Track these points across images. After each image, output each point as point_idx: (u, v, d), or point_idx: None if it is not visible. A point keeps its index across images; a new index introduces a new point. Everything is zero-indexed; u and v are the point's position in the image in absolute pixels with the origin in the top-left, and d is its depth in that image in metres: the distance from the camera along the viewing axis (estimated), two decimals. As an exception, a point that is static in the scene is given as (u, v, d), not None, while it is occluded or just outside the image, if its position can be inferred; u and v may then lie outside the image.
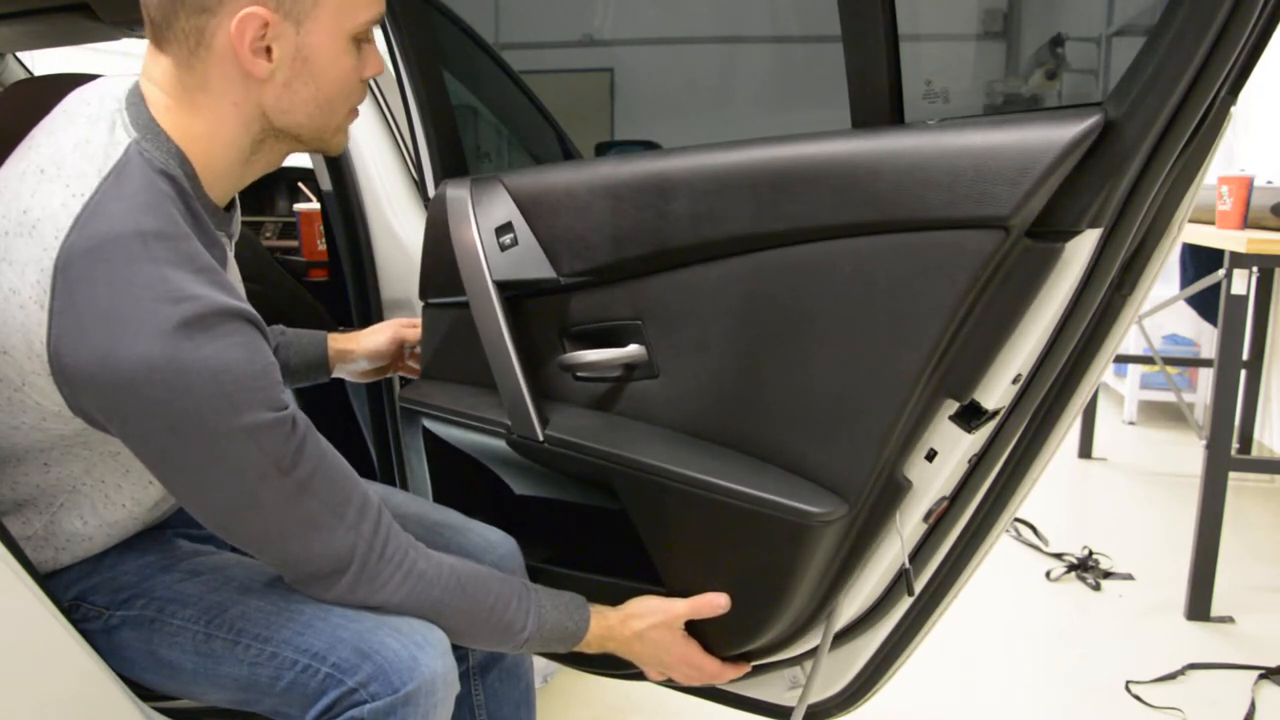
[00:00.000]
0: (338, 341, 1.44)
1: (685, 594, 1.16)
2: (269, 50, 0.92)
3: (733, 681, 1.37)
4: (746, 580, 1.13)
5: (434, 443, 1.39)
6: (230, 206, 1.05)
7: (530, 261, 1.21)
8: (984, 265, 0.92)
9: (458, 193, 1.28)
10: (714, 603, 1.15)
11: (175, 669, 1.03)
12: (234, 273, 1.06)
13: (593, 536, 1.29)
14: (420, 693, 0.95)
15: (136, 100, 0.94)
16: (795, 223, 1.02)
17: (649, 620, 1.15)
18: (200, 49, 0.91)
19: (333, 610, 1.00)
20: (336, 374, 1.46)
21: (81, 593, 1.06)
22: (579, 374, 1.23)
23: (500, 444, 1.27)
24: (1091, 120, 0.87)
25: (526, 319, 1.25)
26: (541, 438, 1.20)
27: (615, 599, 1.18)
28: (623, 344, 1.18)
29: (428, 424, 1.37)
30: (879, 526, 1.09)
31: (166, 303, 0.84)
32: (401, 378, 1.56)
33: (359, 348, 1.45)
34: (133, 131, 0.92)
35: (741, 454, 1.12)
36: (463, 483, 1.40)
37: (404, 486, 1.60)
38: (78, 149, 0.90)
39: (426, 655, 0.97)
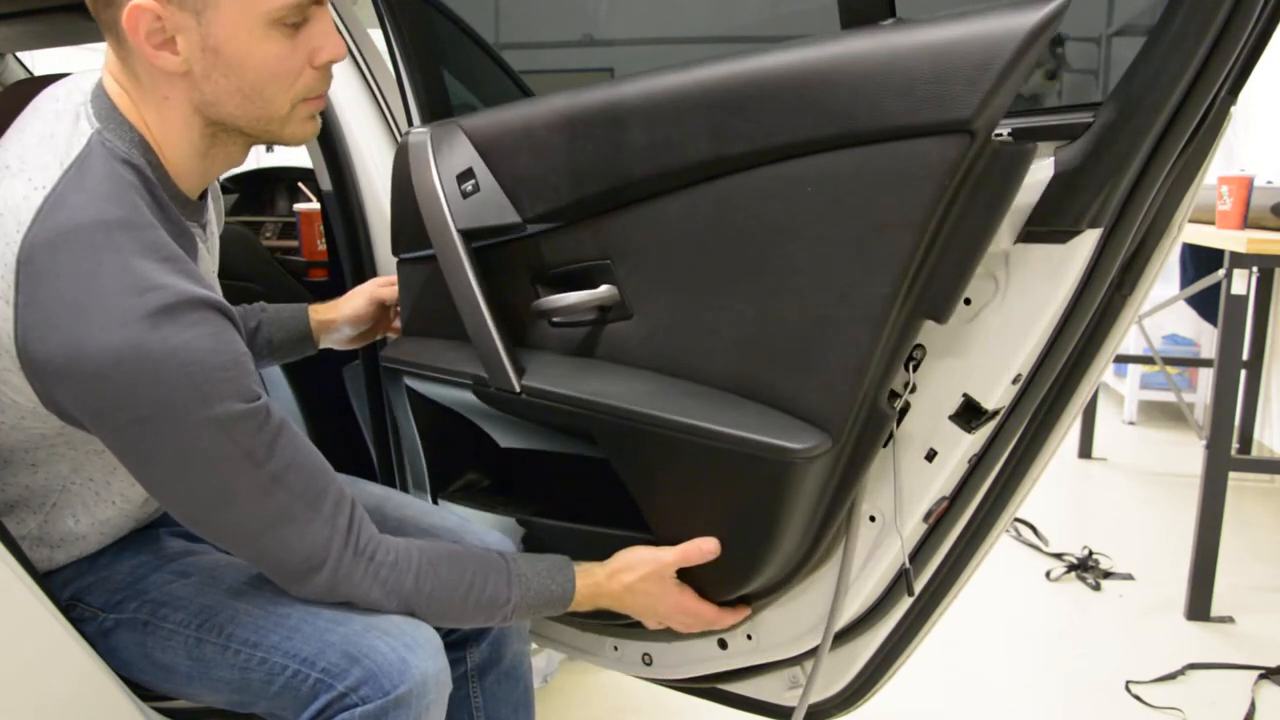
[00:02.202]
0: (319, 312, 1.43)
1: (674, 541, 1.14)
2: (175, 42, 0.88)
3: (733, 681, 1.37)
4: (734, 522, 1.10)
5: (418, 401, 1.36)
6: (203, 197, 1.04)
7: (493, 207, 1.17)
8: (950, 174, 0.87)
9: (418, 140, 1.23)
10: (703, 549, 1.12)
11: (170, 671, 1.03)
12: (206, 263, 1.04)
13: (581, 487, 1.26)
14: (412, 695, 0.95)
15: (100, 92, 0.94)
16: (753, 144, 0.97)
17: (638, 572, 1.12)
18: (121, 43, 0.91)
19: (321, 613, 0.99)
20: (325, 345, 1.45)
21: (76, 593, 1.07)
22: (553, 320, 1.20)
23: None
24: (1053, 6, 0.82)
25: (496, 267, 1.21)
26: (518, 389, 1.17)
27: (607, 550, 1.16)
28: (595, 285, 1.14)
29: (410, 383, 1.35)
30: (865, 459, 1.07)
31: (132, 293, 0.83)
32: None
33: (339, 315, 1.43)
34: (95, 122, 0.91)
35: (722, 391, 1.08)
36: (450, 439, 1.37)
37: (403, 487, 1.60)
38: (42, 143, 0.90)
39: (416, 656, 0.97)
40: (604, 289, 1.13)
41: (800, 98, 0.93)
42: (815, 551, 1.16)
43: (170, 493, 0.92)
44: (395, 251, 1.36)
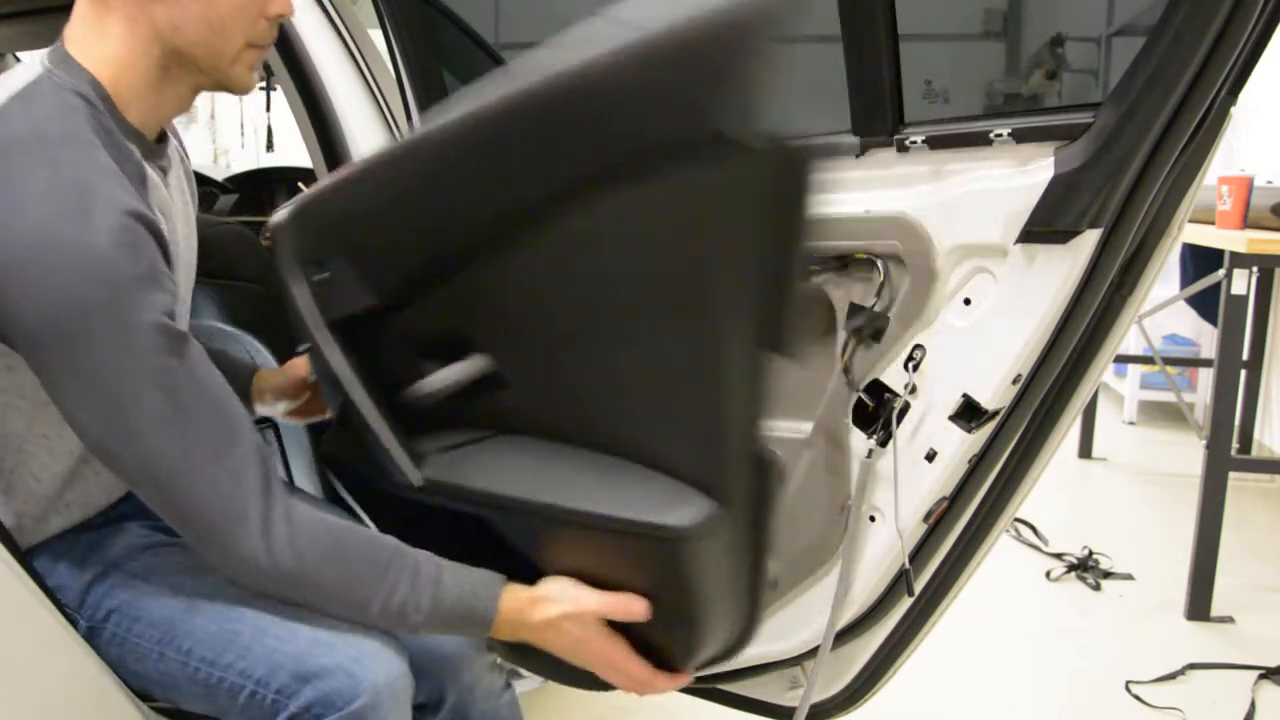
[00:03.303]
0: (259, 378, 1.32)
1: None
2: None
3: (733, 681, 1.37)
4: (653, 600, 0.97)
5: (359, 493, 1.24)
6: (162, 140, 1.05)
7: (349, 290, 1.02)
8: (732, 196, 0.75)
9: (278, 224, 1.07)
10: (630, 607, 0.97)
11: (146, 680, 1.04)
12: (160, 197, 1.01)
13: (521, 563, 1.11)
14: (367, 708, 0.95)
15: (58, 45, 0.97)
16: (525, 190, 0.85)
17: (560, 607, 0.99)
18: None
19: (268, 630, 0.98)
20: (261, 413, 1.33)
21: (54, 590, 1.06)
22: (435, 403, 1.04)
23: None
24: None
25: (377, 350, 1.06)
26: (418, 483, 1.05)
27: None
28: (465, 357, 1.01)
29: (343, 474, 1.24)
30: (769, 512, 0.97)
31: (59, 194, 0.84)
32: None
33: (266, 386, 1.31)
34: (47, 64, 0.94)
35: (618, 459, 0.96)
36: (400, 518, 1.19)
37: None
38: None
39: (365, 669, 0.95)
40: (470, 362, 0.99)
41: (542, 131, 0.80)
42: (756, 617, 1.07)
43: (79, 413, 0.89)
44: (293, 343, 1.20)
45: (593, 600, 0.99)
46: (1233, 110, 0.96)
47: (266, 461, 0.95)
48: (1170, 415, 4.41)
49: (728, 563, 0.96)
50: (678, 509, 0.88)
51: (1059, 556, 2.83)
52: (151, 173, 0.99)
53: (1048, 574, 2.74)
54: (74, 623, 1.04)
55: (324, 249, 1.03)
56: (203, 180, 3.35)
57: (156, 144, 1.03)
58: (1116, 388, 4.56)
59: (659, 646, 1.01)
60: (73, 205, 0.84)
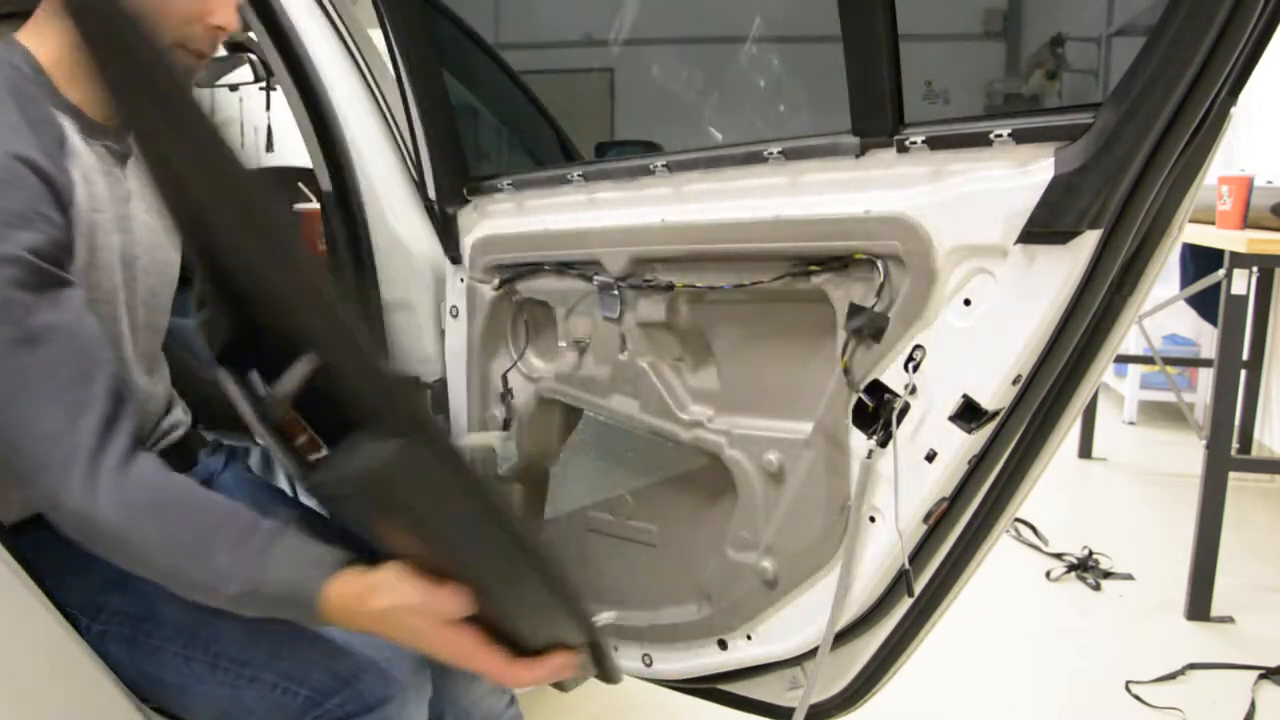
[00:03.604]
0: None
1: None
2: None
3: (733, 682, 1.37)
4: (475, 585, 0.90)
5: None
6: (120, 129, 1.07)
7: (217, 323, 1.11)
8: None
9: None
10: (445, 603, 0.87)
11: (162, 684, 1.04)
12: (84, 165, 1.01)
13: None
14: (393, 705, 0.98)
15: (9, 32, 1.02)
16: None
17: (390, 599, 0.89)
18: None
19: (303, 631, 0.99)
20: None
21: (55, 593, 1.06)
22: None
23: None
24: None
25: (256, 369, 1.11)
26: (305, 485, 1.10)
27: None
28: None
29: None
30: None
31: None
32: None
33: None
34: None
35: None
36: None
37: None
38: None
39: (395, 667, 0.99)
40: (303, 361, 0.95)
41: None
42: (572, 596, 0.95)
43: None
44: None
45: (414, 594, 0.88)
46: (1233, 111, 0.96)
47: (118, 410, 0.91)
48: (1170, 415, 4.41)
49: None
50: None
51: (1059, 556, 2.83)
52: (78, 142, 1.00)
53: (1048, 574, 2.74)
54: (76, 623, 1.04)
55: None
56: (203, 180, 3.34)
57: (108, 127, 1.05)
58: (1116, 388, 4.56)
59: (508, 634, 0.92)
60: None
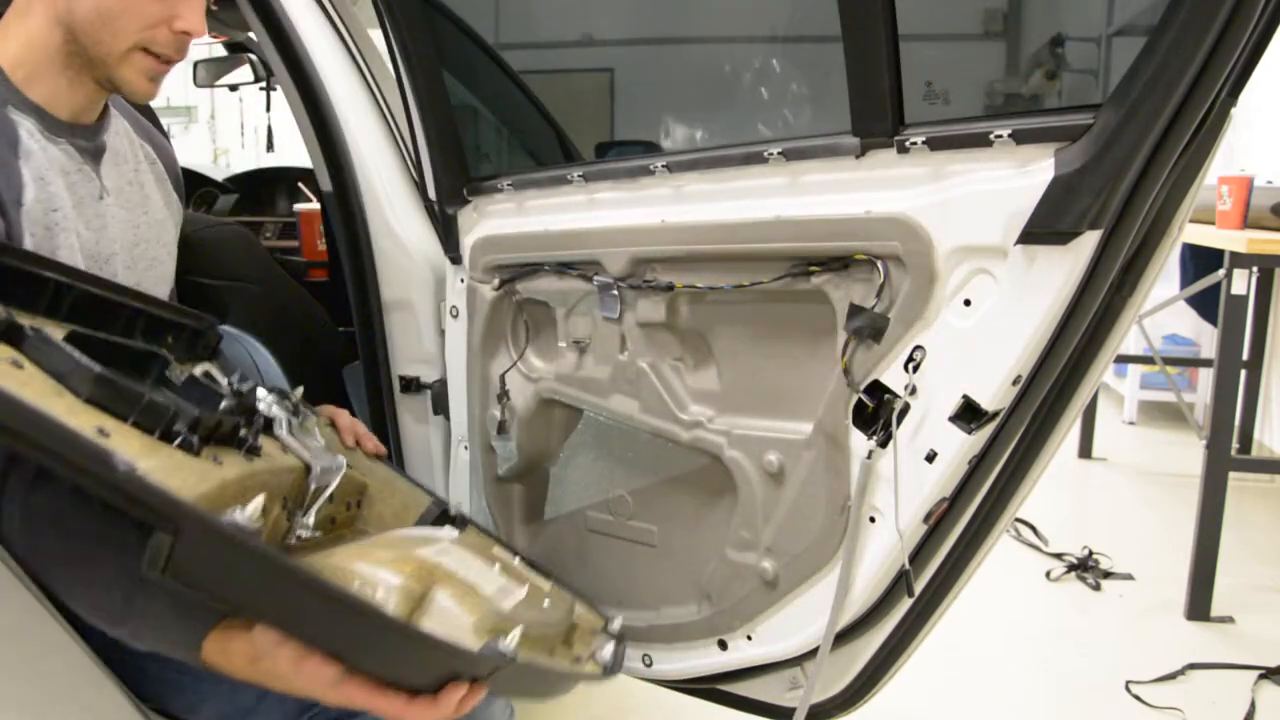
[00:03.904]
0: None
1: None
2: None
3: (733, 682, 1.37)
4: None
5: None
6: (99, 124, 1.07)
7: None
8: None
9: None
10: (320, 670, 0.80)
11: (162, 683, 1.05)
12: (37, 164, 0.99)
13: None
14: None
15: None
16: None
17: (271, 664, 0.82)
18: None
19: None
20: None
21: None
22: None
23: None
24: None
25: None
26: None
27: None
28: None
29: None
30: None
31: None
32: None
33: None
34: None
35: None
36: None
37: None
38: None
39: None
40: None
41: None
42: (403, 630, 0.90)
43: None
44: None
45: (286, 664, 0.81)
46: (1233, 111, 0.96)
47: None
48: (1170, 415, 4.41)
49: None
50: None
51: (1059, 556, 2.83)
52: (35, 142, 1.00)
53: (1048, 574, 2.74)
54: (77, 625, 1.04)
55: None
56: (203, 180, 3.35)
57: (77, 126, 1.05)
58: (1116, 388, 4.56)
59: (394, 679, 0.86)
60: None
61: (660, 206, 1.27)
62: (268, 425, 1.06)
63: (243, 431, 0.92)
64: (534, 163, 2.15)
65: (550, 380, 1.48)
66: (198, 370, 1.09)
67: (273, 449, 1.01)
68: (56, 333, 0.85)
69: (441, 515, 1.29)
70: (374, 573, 0.88)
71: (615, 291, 1.34)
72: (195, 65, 3.02)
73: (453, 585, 0.91)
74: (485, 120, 2.02)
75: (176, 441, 0.79)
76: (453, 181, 1.52)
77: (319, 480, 1.07)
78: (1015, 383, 1.02)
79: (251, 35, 1.70)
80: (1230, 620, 2.46)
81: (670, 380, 1.33)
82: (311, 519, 1.06)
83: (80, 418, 0.73)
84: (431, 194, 1.54)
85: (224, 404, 0.98)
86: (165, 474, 0.74)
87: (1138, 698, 2.09)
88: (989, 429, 1.06)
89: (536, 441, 1.54)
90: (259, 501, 0.77)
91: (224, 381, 1.10)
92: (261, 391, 1.11)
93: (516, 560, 1.21)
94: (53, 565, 0.89)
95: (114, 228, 1.09)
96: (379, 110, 1.68)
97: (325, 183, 1.65)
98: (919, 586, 1.17)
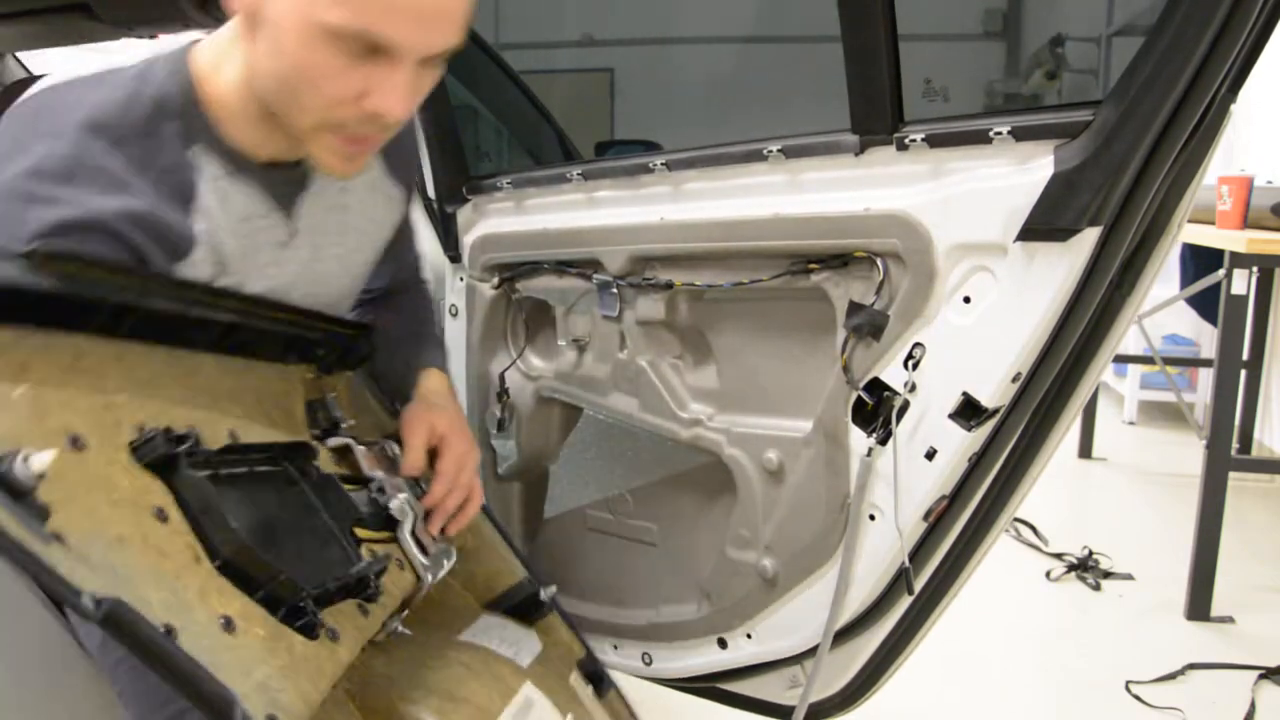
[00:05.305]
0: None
1: None
2: None
3: (733, 681, 1.37)
4: None
5: None
6: (293, 171, 0.98)
7: None
8: None
9: None
10: None
11: None
12: (207, 205, 0.92)
13: None
14: None
15: (189, 44, 0.94)
16: None
17: None
18: None
19: None
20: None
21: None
22: None
23: None
24: None
25: None
26: None
27: None
28: None
29: None
30: None
31: (32, 176, 0.82)
32: None
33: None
34: (160, 57, 0.92)
35: None
36: None
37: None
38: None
39: None
40: None
41: None
42: None
43: None
44: None
45: None
46: (1232, 107, 0.96)
47: None
48: (1170, 415, 4.41)
49: None
50: None
51: (1059, 556, 2.83)
52: (211, 195, 0.92)
53: (1048, 574, 2.74)
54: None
55: None
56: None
57: (275, 165, 0.96)
58: (1116, 388, 4.56)
59: None
60: (23, 193, 0.81)
61: (659, 204, 1.27)
62: (388, 518, 1.01)
63: (369, 584, 0.88)
64: (534, 162, 2.15)
65: (550, 379, 1.48)
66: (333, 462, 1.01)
67: (392, 568, 0.96)
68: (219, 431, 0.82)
69: (529, 599, 1.23)
70: None
71: (614, 290, 1.34)
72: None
73: None
74: (485, 120, 2.02)
75: (298, 624, 0.77)
76: (452, 180, 1.52)
77: (428, 584, 1.02)
78: (1015, 380, 1.02)
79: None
80: (1230, 620, 2.45)
81: (670, 378, 1.33)
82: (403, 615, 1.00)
83: (210, 601, 0.70)
84: (431, 193, 1.54)
85: (363, 509, 0.97)
86: (283, 679, 0.72)
87: (1138, 698, 2.08)
88: (989, 426, 1.05)
89: (536, 440, 1.54)
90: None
91: (364, 464, 1.03)
92: (396, 489, 1.03)
93: (588, 698, 1.20)
94: None
95: (293, 268, 1.01)
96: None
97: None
98: (919, 584, 1.17)
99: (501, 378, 1.52)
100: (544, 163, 2.06)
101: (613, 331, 1.37)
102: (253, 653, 0.71)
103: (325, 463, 0.98)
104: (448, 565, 1.05)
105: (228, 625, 0.70)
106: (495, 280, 1.49)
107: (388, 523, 1.00)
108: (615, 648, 1.44)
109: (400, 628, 0.98)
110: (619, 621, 1.45)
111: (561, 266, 1.40)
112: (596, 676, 1.25)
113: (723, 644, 1.33)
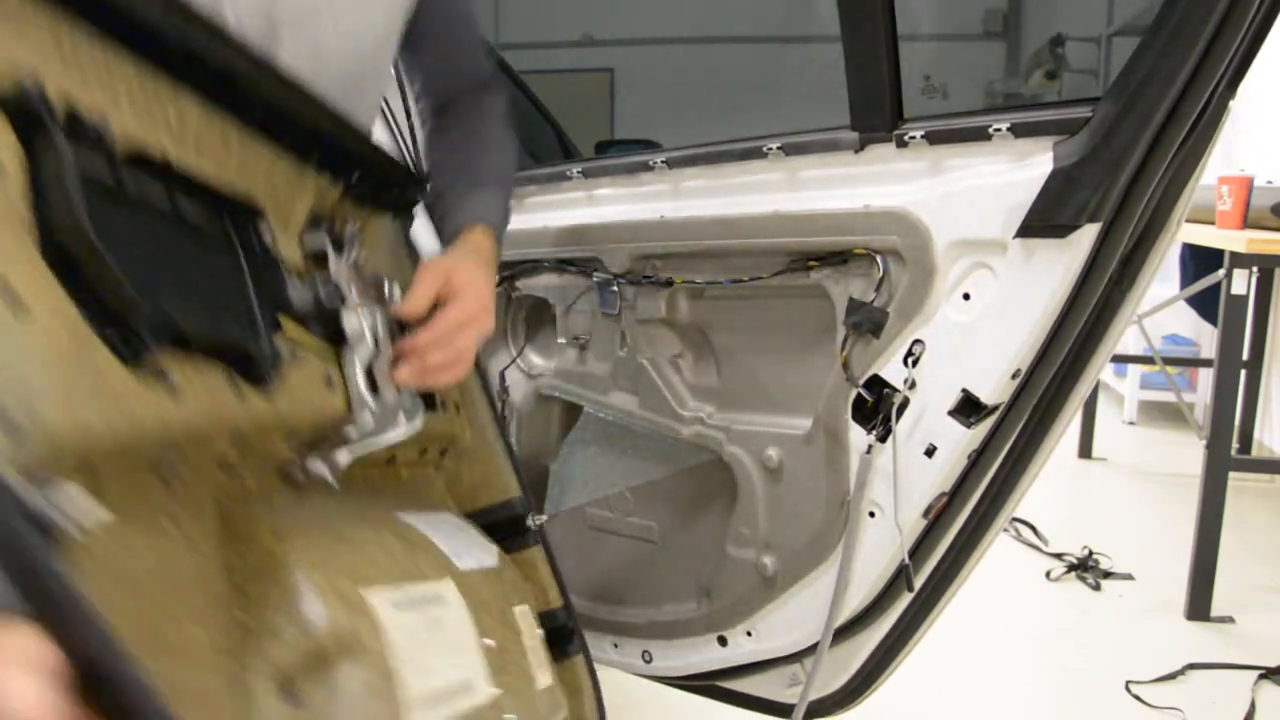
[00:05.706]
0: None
1: None
2: None
3: (733, 678, 1.37)
4: None
5: None
6: None
7: None
8: None
9: None
10: None
11: None
12: None
13: None
14: None
15: None
16: None
17: None
18: None
19: None
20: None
21: None
22: None
23: None
24: None
25: None
26: None
27: None
28: None
29: None
30: None
31: None
32: None
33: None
34: None
35: None
36: None
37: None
38: None
39: None
40: None
41: None
42: None
43: None
44: None
45: None
46: (1231, 104, 0.96)
47: None
48: (1170, 415, 4.41)
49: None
50: None
51: (1059, 556, 2.83)
52: None
53: (1048, 574, 2.74)
54: None
55: None
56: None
57: None
58: (1116, 387, 4.56)
59: None
60: None
61: (660, 202, 1.28)
62: (335, 331, 0.81)
63: (255, 362, 0.67)
64: (534, 161, 2.15)
65: (550, 377, 1.48)
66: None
67: (312, 375, 0.75)
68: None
69: (516, 519, 1.11)
70: (307, 597, 0.66)
71: (614, 288, 1.34)
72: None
73: (376, 667, 0.68)
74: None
75: (120, 345, 0.55)
76: (452, 178, 1.52)
77: (361, 432, 0.81)
78: (1014, 377, 1.02)
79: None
80: (1230, 620, 2.45)
81: (670, 376, 1.33)
82: (341, 460, 0.80)
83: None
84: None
85: (302, 305, 0.77)
86: (51, 381, 0.49)
87: (1138, 698, 2.08)
88: (988, 423, 1.05)
89: (536, 438, 1.54)
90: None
91: (341, 282, 0.83)
92: (367, 314, 0.83)
93: (531, 637, 0.97)
94: None
95: None
96: (378, 109, 1.67)
97: (325, 180, 1.64)
98: (919, 582, 1.17)
99: (501, 376, 1.53)
100: (544, 161, 2.06)
101: (613, 329, 1.37)
102: (29, 339, 0.48)
103: (290, 256, 0.79)
104: (405, 426, 0.84)
105: (4, 290, 0.47)
106: (495, 279, 1.49)
107: (333, 334, 0.81)
108: (615, 646, 1.44)
109: (327, 475, 0.79)
110: (619, 619, 1.45)
111: (561, 264, 1.40)
112: (559, 632, 1.09)
113: (723, 642, 1.33)
